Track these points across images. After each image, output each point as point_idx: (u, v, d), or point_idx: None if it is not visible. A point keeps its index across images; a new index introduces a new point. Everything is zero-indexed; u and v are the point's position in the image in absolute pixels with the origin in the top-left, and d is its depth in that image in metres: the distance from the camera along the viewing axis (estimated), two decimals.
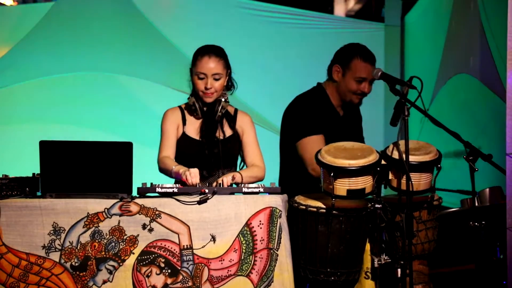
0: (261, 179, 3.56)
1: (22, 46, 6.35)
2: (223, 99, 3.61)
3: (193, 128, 3.65)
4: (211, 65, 3.55)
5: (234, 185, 3.34)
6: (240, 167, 3.67)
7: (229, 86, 3.68)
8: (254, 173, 3.55)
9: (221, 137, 3.62)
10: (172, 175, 3.43)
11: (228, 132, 3.66)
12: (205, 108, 3.63)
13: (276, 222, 3.08)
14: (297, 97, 4.01)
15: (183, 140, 3.61)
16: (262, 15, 6.61)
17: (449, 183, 3.75)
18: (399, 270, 3.07)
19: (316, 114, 3.85)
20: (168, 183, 3.17)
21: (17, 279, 3.02)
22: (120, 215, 3.05)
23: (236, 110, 3.71)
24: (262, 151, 3.68)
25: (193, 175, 3.23)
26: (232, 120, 3.68)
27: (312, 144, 3.73)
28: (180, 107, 3.70)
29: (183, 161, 3.51)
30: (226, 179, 3.29)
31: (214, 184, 3.32)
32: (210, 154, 3.59)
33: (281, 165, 4.06)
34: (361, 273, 3.30)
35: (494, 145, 4.14)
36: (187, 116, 3.66)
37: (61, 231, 3.03)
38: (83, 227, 3.03)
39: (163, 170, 3.52)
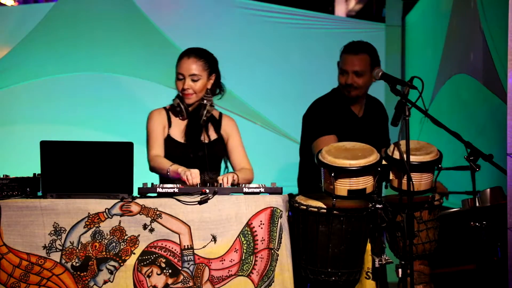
0: (251, 181, 3.60)
1: (23, 47, 6.34)
2: (208, 103, 3.61)
3: (178, 130, 3.65)
4: (188, 65, 3.57)
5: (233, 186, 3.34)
6: (225, 171, 3.68)
7: (214, 90, 3.67)
8: (246, 176, 3.60)
9: (206, 141, 3.63)
10: (168, 174, 3.43)
11: (213, 136, 3.67)
12: (190, 108, 3.63)
13: (277, 222, 3.08)
14: (314, 101, 4.04)
15: (168, 142, 3.62)
16: (263, 15, 6.60)
17: (449, 183, 3.75)
18: (400, 270, 3.07)
19: (329, 115, 3.87)
20: (169, 184, 3.17)
21: (18, 279, 3.02)
22: (121, 215, 3.05)
23: (221, 114, 3.72)
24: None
25: (193, 175, 3.24)
26: (217, 124, 3.69)
27: (324, 144, 3.73)
28: (165, 108, 3.72)
29: None
30: (227, 179, 3.29)
31: (214, 183, 3.33)
32: (194, 157, 3.60)
33: (300, 167, 4.08)
34: (362, 273, 3.30)
35: (493, 145, 4.13)
36: (172, 118, 3.68)
37: (61, 231, 3.03)
38: (84, 227, 3.04)
39: (155, 169, 3.52)
